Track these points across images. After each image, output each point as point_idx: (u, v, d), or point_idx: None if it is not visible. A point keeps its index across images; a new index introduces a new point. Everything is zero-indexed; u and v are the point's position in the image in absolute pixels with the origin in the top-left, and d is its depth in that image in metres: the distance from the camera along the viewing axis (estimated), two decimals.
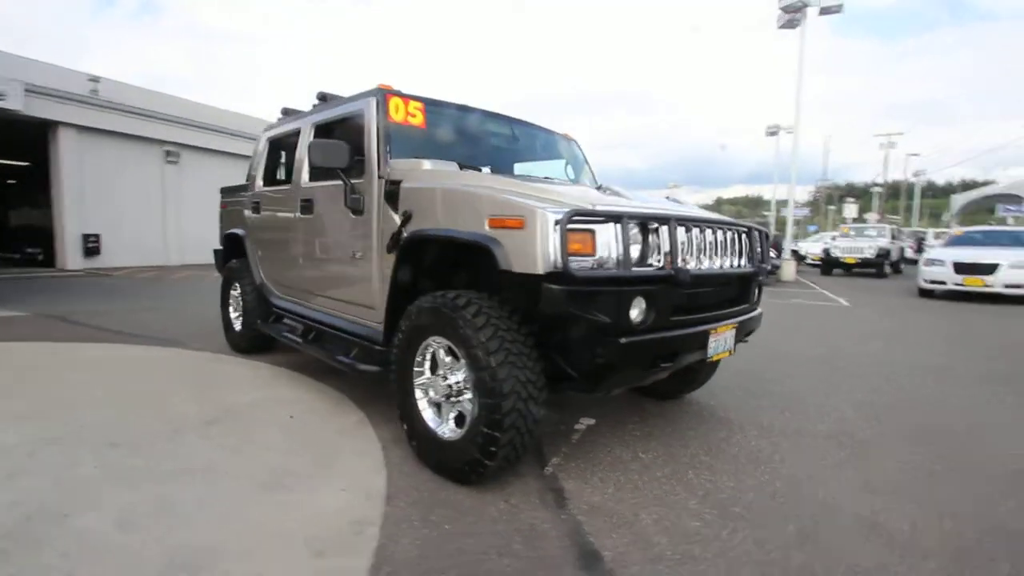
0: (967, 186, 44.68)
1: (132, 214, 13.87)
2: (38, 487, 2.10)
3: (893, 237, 15.57)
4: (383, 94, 2.81)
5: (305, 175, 3.39)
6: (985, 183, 40.59)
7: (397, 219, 2.52)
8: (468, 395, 2.17)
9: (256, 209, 4.05)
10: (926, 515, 2.05)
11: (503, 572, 1.68)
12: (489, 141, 3.25)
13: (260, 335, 4.22)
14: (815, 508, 2.10)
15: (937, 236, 20.29)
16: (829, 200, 47.79)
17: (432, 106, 2.94)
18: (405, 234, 2.45)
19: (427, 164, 2.55)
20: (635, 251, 2.03)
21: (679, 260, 2.09)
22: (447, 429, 2.29)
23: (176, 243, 15.04)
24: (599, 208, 1.96)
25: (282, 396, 3.32)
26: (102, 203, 13.17)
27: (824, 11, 12.93)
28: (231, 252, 4.65)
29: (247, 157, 4.70)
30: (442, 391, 2.26)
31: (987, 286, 8.77)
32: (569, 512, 2.03)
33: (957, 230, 11.65)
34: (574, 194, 2.20)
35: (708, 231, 2.35)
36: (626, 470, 2.42)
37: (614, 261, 1.93)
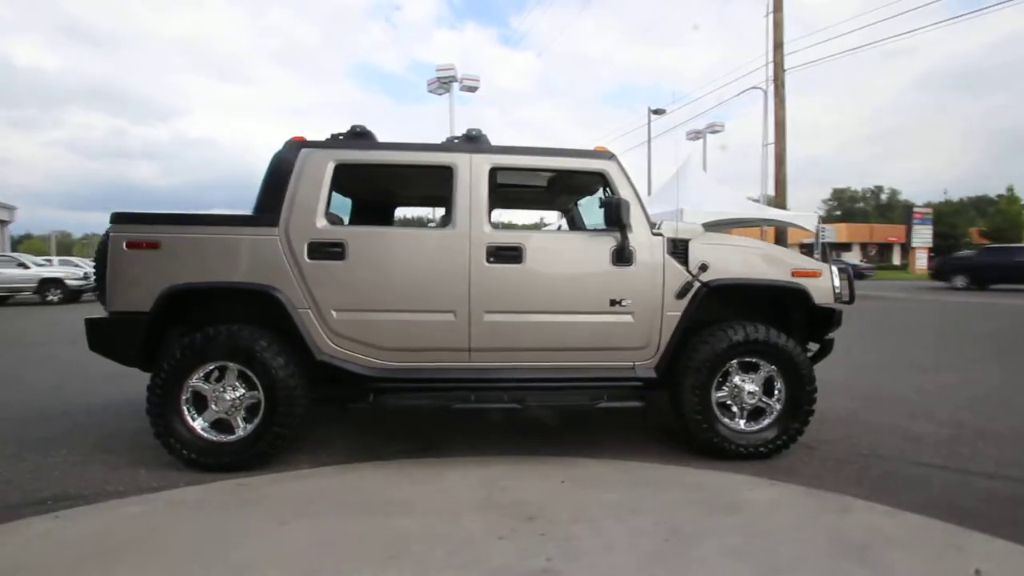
0: None
1: None
2: None
3: None
4: (615, 156, 3.15)
5: (485, 220, 3.00)
6: None
7: (684, 270, 3.05)
8: (767, 396, 3.12)
9: (334, 254, 2.93)
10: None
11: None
12: None
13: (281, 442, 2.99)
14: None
15: None
16: None
17: None
18: (698, 283, 3.04)
19: (699, 226, 3.16)
20: None
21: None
22: (743, 423, 3.11)
23: None
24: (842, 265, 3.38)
25: (457, 486, 2.79)
26: None
27: (465, 88, 16.62)
28: (164, 321, 2.96)
29: None
30: (752, 396, 3.06)
31: None
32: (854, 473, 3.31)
33: None
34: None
35: None
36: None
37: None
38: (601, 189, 3.53)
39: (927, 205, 39.73)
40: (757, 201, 20.51)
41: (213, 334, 2.90)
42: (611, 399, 3.05)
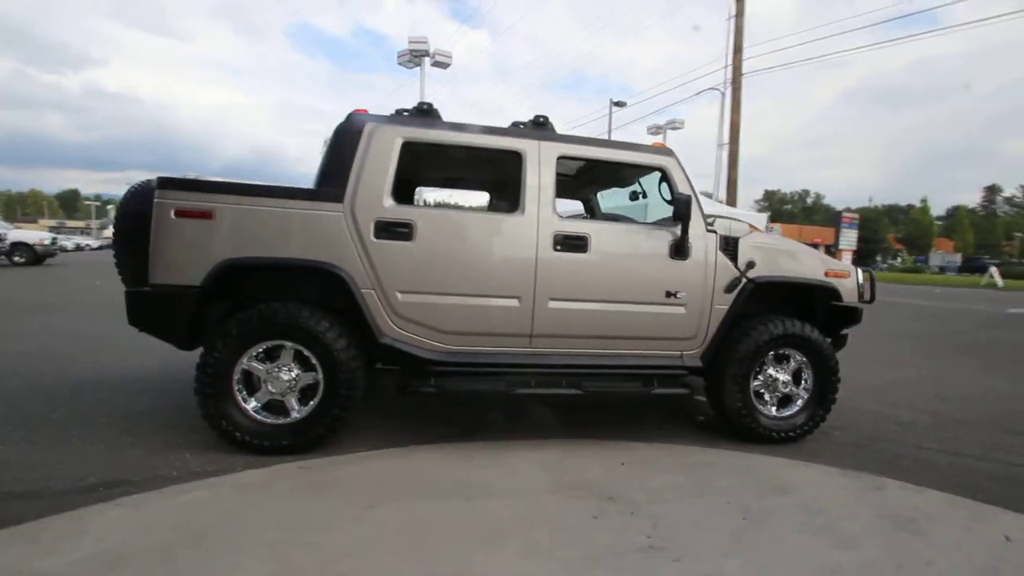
0: None
1: None
2: None
3: None
4: (674, 153, 3.25)
5: (551, 208, 3.02)
6: None
7: (733, 266, 3.22)
8: (795, 385, 3.38)
9: (402, 234, 2.86)
10: None
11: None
12: None
13: (340, 425, 2.94)
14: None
15: None
16: None
17: None
18: (745, 278, 3.22)
19: (746, 225, 3.32)
20: None
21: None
22: (775, 410, 3.36)
23: None
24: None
25: (521, 468, 2.93)
26: None
27: (436, 64, 16.18)
28: (216, 297, 2.83)
29: None
30: (784, 385, 3.31)
31: None
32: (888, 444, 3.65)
33: None
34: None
35: None
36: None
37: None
38: (645, 182, 3.66)
39: (847, 209, 43.16)
40: (711, 196, 21.48)
41: (270, 312, 2.78)
42: (660, 386, 3.20)
